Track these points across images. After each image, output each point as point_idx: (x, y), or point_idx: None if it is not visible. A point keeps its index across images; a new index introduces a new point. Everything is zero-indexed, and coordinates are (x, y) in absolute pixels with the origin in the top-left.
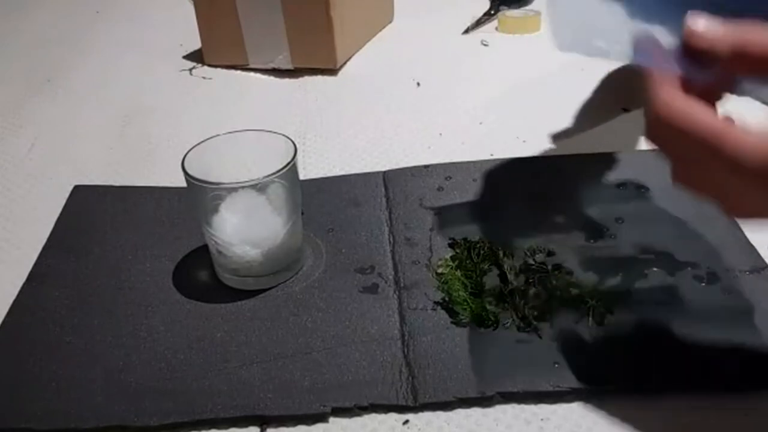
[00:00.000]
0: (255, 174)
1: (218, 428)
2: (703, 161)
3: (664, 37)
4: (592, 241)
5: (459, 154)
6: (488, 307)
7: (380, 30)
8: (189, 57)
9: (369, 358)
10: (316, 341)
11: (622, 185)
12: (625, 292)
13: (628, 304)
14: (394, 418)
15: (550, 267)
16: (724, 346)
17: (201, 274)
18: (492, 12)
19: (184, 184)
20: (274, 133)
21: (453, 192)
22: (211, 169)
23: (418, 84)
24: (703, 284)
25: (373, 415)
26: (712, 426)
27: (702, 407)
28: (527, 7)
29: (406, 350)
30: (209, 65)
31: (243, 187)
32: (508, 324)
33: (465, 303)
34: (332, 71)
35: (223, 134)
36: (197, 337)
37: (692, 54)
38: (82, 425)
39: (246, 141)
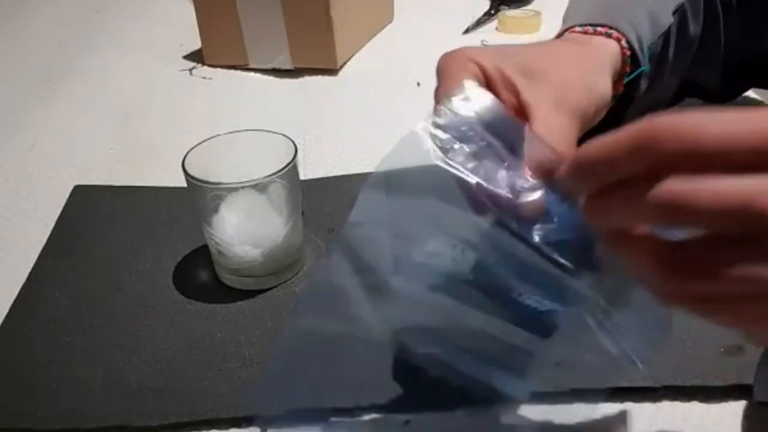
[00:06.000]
0: (255, 174)
1: (218, 428)
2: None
3: None
4: (592, 241)
5: None
6: None
7: (380, 30)
8: (189, 57)
9: (370, 359)
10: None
11: None
12: (625, 292)
13: (628, 304)
14: (394, 418)
15: None
16: (724, 346)
17: (201, 274)
18: (492, 12)
19: (185, 184)
20: (274, 133)
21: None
22: (211, 169)
23: (418, 84)
24: None
25: (374, 415)
26: (716, 423)
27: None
28: (527, 7)
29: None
30: (209, 65)
31: (243, 187)
32: None
33: None
34: (332, 71)
35: (223, 134)
36: (197, 337)
37: None
38: (82, 425)
39: (246, 141)
